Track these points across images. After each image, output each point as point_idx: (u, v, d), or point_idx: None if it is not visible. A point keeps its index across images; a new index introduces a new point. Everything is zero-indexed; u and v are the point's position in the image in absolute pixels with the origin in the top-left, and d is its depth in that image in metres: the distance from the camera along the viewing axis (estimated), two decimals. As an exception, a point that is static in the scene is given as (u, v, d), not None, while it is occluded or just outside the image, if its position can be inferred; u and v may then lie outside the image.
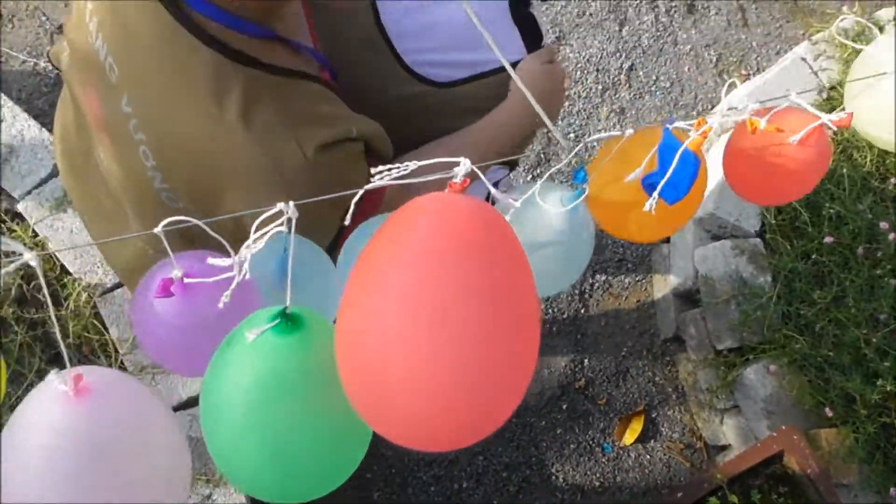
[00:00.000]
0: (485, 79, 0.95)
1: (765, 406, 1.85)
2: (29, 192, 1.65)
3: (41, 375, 1.58)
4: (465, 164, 0.37)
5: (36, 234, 1.65)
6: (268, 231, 0.38)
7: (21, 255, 0.39)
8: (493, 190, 0.40)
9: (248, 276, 0.40)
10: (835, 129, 0.58)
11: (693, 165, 0.54)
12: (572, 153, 0.62)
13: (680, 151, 0.51)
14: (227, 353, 0.42)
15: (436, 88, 0.93)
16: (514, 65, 0.94)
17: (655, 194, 0.52)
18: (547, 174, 0.66)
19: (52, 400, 0.40)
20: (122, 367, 1.60)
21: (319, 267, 0.60)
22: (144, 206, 0.76)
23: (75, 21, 0.75)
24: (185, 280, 0.43)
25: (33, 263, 0.39)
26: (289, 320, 0.40)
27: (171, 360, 0.50)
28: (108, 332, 1.61)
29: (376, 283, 0.37)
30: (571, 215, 0.60)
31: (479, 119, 0.92)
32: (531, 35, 0.97)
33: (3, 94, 1.76)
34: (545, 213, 0.59)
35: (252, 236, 0.40)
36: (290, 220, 0.38)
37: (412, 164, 0.38)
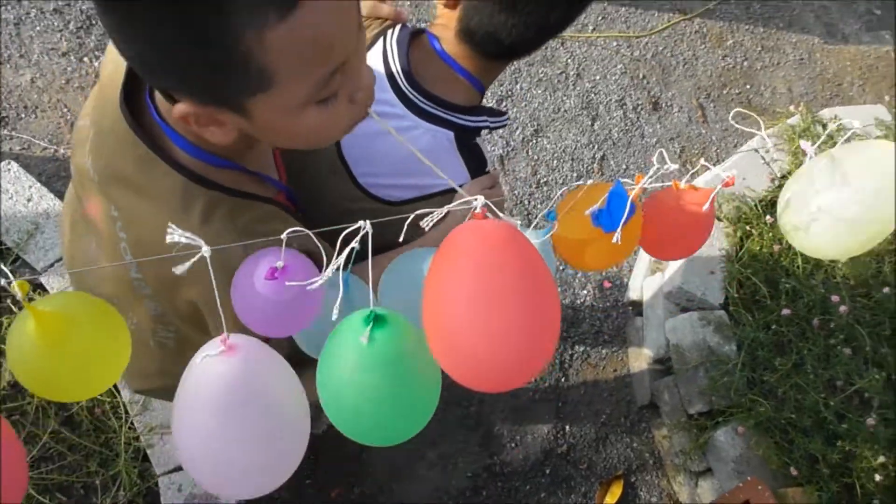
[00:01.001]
0: (430, 199, 1.10)
1: (735, 466, 1.97)
2: (51, 265, 1.78)
3: (55, 436, 1.67)
4: (480, 200, 0.54)
5: (57, 303, 1.77)
6: (349, 248, 0.54)
7: (200, 248, 0.53)
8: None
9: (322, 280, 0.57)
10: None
11: (624, 206, 0.71)
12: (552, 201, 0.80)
13: (629, 202, 0.69)
14: (342, 352, 0.59)
15: (387, 206, 1.09)
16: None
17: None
18: (534, 223, 0.82)
19: (210, 362, 0.55)
20: (132, 428, 1.70)
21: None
22: (121, 291, 0.95)
23: (76, 142, 0.93)
24: (288, 282, 0.60)
25: (207, 255, 0.54)
26: (378, 316, 0.57)
27: (257, 325, 0.66)
28: (119, 395, 1.71)
29: (447, 278, 0.55)
30: (542, 247, 0.78)
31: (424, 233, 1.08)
32: (476, 163, 1.11)
33: (30, 175, 1.92)
34: None
35: (336, 251, 0.55)
36: (367, 233, 0.54)
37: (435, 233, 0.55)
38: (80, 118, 0.93)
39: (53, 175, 2.26)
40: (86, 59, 2.48)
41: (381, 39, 1.07)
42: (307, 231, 0.65)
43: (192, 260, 0.56)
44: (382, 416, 0.59)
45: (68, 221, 1.10)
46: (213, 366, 0.55)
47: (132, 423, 1.70)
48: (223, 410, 0.55)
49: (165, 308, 0.92)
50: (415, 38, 1.07)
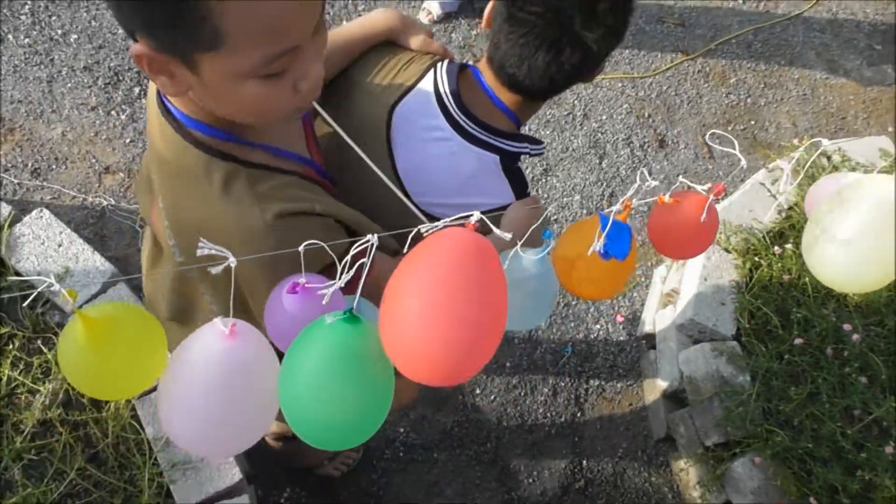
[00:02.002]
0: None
1: (754, 498, 1.96)
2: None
3: (81, 473, 1.72)
4: (476, 215, 0.59)
5: (84, 343, 1.84)
6: (355, 261, 0.60)
7: (226, 259, 0.59)
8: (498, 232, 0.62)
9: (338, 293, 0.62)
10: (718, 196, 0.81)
11: (626, 230, 0.76)
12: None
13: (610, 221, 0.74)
14: (310, 331, 0.63)
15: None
16: (504, 207, 1.19)
17: (597, 245, 0.75)
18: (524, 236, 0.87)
19: (214, 336, 0.61)
20: (156, 464, 1.74)
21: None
22: (188, 288, 1.07)
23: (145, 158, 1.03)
24: (307, 285, 0.65)
25: (233, 265, 0.60)
26: (353, 316, 0.62)
27: (282, 340, 0.71)
28: (143, 432, 1.76)
29: (407, 275, 0.59)
30: (541, 262, 0.83)
31: None
32: (519, 185, 1.21)
33: (61, 222, 2.01)
34: (523, 260, 0.81)
35: (347, 262, 0.61)
36: (372, 245, 0.59)
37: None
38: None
39: (82, 222, 2.35)
40: (113, 112, 2.61)
41: (433, 70, 1.18)
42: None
43: (221, 266, 0.61)
44: (330, 410, 0.63)
45: (146, 257, 1.19)
46: (212, 344, 0.62)
47: (156, 460, 1.74)
48: (213, 385, 0.62)
49: (215, 292, 1.00)
50: (462, 71, 1.18)
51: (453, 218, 0.61)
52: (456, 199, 1.18)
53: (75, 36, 2.74)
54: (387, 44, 1.22)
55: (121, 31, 2.76)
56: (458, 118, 1.14)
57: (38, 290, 0.61)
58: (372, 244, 0.59)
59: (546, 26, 1.03)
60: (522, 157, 1.21)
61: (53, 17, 2.76)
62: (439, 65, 1.18)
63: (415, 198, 1.17)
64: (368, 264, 0.61)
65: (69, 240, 1.98)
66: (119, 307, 0.66)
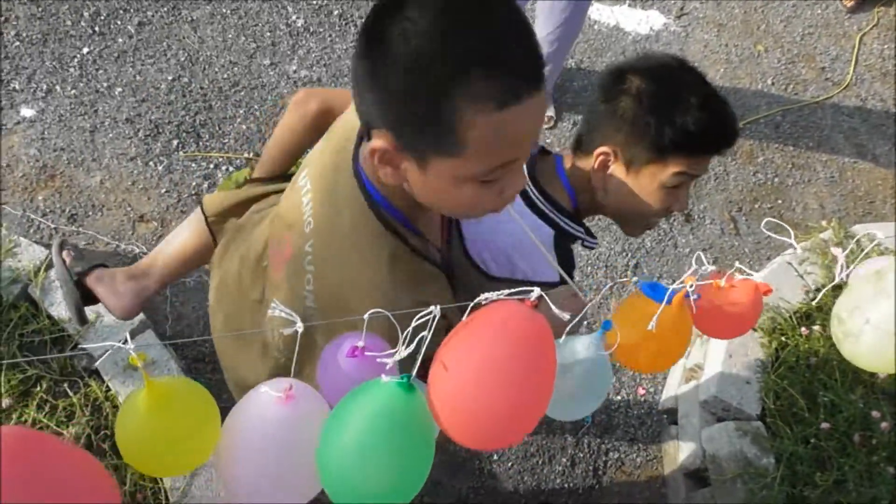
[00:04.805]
0: (518, 283, 1.21)
1: (777, 588, 1.89)
2: (108, 351, 1.87)
3: (95, 521, 1.70)
4: (536, 291, 0.61)
5: (109, 389, 1.85)
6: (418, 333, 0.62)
7: (294, 323, 0.61)
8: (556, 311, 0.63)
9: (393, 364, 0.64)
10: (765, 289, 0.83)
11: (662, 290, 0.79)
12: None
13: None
14: (363, 390, 0.65)
15: (483, 277, 1.22)
16: (543, 285, 1.20)
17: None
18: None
19: (268, 402, 0.62)
20: (171, 515, 1.73)
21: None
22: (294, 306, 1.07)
23: (289, 201, 1.09)
24: (366, 353, 0.67)
25: (300, 331, 0.61)
26: (410, 383, 0.63)
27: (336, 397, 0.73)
28: (161, 481, 1.75)
29: (458, 349, 0.61)
30: (597, 352, 0.84)
31: None
32: (566, 266, 1.23)
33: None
34: (578, 347, 0.82)
35: (408, 336, 0.63)
36: (434, 316, 0.61)
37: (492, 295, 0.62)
38: (295, 186, 1.08)
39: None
40: (151, 163, 2.68)
41: None
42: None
43: (289, 331, 0.64)
44: (370, 469, 0.64)
45: (238, 288, 1.23)
46: (267, 410, 0.63)
47: (170, 510, 1.73)
48: (264, 447, 0.63)
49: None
50: (544, 151, 1.28)
51: (513, 291, 0.63)
52: (502, 259, 1.22)
53: (120, 89, 2.84)
54: None
55: (163, 85, 2.87)
56: (525, 184, 1.19)
57: (109, 349, 0.62)
58: (434, 316, 0.61)
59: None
60: (577, 243, 1.25)
61: (101, 71, 2.87)
62: None
63: (469, 245, 1.22)
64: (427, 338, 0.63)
65: (102, 285, 2.01)
66: (180, 381, 0.68)
